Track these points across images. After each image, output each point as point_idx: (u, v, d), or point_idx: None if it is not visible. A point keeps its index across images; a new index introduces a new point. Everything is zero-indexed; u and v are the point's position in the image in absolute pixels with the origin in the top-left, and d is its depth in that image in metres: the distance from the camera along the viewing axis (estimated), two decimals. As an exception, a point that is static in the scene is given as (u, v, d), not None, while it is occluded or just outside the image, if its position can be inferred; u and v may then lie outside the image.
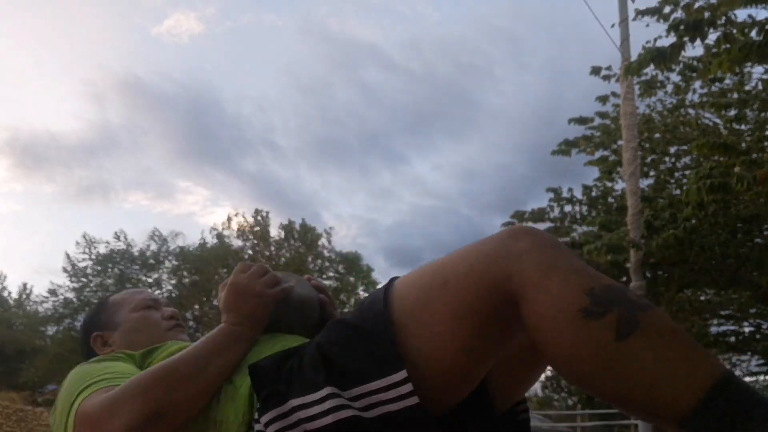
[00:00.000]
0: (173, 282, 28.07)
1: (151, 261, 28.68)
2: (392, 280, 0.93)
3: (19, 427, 14.91)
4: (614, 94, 8.74)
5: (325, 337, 0.91)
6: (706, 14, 4.79)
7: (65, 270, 27.99)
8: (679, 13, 5.73)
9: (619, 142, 8.34)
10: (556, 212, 9.88)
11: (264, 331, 1.08)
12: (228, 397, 0.96)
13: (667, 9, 6.04)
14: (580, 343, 0.73)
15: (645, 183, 8.79)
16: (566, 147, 8.93)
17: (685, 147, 8.47)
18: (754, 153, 6.52)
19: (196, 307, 25.54)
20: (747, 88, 7.91)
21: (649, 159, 8.93)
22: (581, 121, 9.02)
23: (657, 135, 8.82)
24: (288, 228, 24.14)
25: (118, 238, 28.32)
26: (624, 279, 8.05)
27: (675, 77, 8.53)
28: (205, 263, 24.08)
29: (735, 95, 7.96)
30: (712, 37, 4.90)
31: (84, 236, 28.28)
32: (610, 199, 9.64)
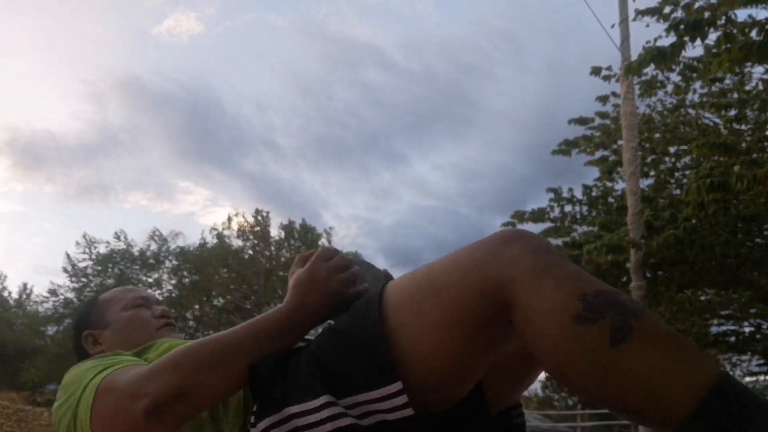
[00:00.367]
0: (173, 282, 28.06)
1: (151, 261, 28.68)
2: (384, 284, 0.92)
3: (19, 427, 14.90)
4: (614, 94, 8.74)
5: (320, 343, 0.90)
6: (706, 14, 4.79)
7: (65, 270, 28.00)
8: (679, 13, 5.73)
9: (619, 142, 8.33)
10: (556, 212, 9.87)
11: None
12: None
13: (667, 9, 6.04)
14: (574, 350, 0.72)
15: (645, 183, 8.79)
16: (566, 147, 8.93)
17: (685, 147, 8.47)
18: (754, 153, 6.52)
19: (196, 307, 25.52)
20: (747, 88, 7.90)
21: (649, 159, 8.92)
22: (581, 121, 9.02)
23: (657, 135, 8.81)
24: (288, 228, 24.14)
25: (118, 238, 28.33)
26: (624, 279, 8.05)
27: (675, 77, 8.53)
28: (205, 263, 24.06)
29: (735, 95, 7.96)
30: (712, 37, 4.90)
31: (84, 236, 28.29)
32: (610, 199, 9.63)
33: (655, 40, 6.22)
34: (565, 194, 9.92)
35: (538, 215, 9.74)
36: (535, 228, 9.29)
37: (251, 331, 0.93)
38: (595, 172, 9.56)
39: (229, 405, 0.97)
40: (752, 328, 11.18)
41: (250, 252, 22.69)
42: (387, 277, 1.15)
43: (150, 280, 28.73)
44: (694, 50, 8.11)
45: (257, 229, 23.55)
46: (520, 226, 5.93)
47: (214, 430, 0.98)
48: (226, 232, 24.28)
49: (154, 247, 28.82)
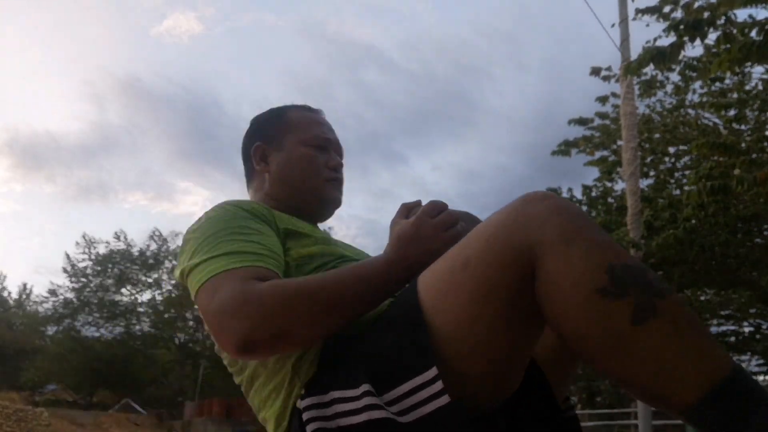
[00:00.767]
0: (173, 282, 28.06)
1: (151, 261, 28.68)
2: None
3: (19, 427, 14.90)
4: (614, 94, 8.74)
5: (360, 333, 0.89)
6: (706, 14, 4.78)
7: (65, 270, 28.01)
8: (678, 13, 5.72)
9: (619, 143, 8.33)
10: (556, 212, 9.84)
11: None
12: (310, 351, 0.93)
13: (667, 8, 6.04)
14: (594, 323, 0.72)
15: (645, 183, 8.79)
16: (566, 147, 8.92)
17: (684, 147, 8.46)
18: (754, 153, 6.51)
19: (197, 307, 25.48)
20: (747, 88, 7.90)
21: (648, 159, 8.92)
22: (581, 121, 9.01)
23: (657, 135, 8.81)
24: (288, 228, 24.10)
25: (118, 238, 28.35)
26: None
27: (675, 77, 8.53)
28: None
29: (735, 95, 7.96)
30: (712, 37, 4.90)
31: (84, 236, 28.30)
32: (610, 200, 9.63)
33: (655, 40, 6.22)
34: (565, 194, 9.92)
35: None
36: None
37: (355, 281, 0.90)
38: (594, 172, 9.57)
39: (304, 358, 0.94)
40: (752, 328, 11.19)
41: (250, 252, 22.60)
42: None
43: (150, 280, 28.74)
44: (693, 50, 8.12)
45: (257, 229, 23.52)
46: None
47: (290, 373, 0.94)
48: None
49: (153, 247, 28.83)
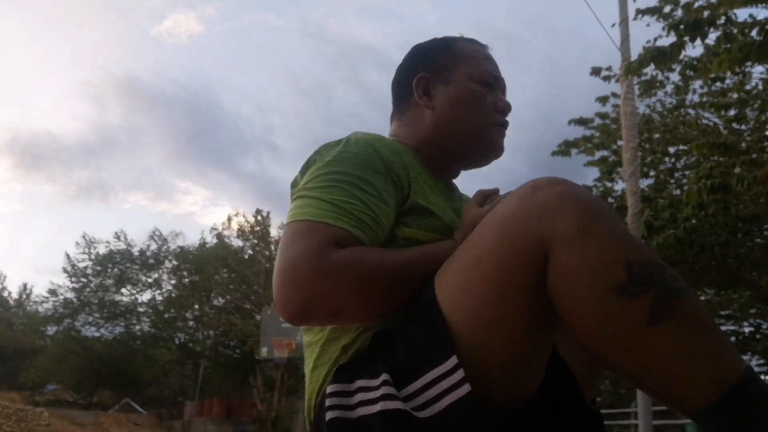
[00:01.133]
0: (173, 282, 28.07)
1: (151, 261, 28.69)
2: None
3: (19, 427, 14.90)
4: (614, 94, 8.74)
5: (388, 326, 0.89)
6: (706, 14, 4.78)
7: (65, 270, 28.03)
8: (679, 12, 5.72)
9: (619, 143, 8.33)
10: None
11: None
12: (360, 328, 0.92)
13: (667, 8, 6.04)
14: (609, 321, 0.69)
15: (645, 183, 8.79)
16: (566, 148, 8.92)
17: (684, 147, 8.46)
18: (754, 153, 6.51)
19: (196, 307, 25.52)
20: (747, 88, 7.90)
21: (649, 159, 8.92)
22: (581, 122, 9.01)
23: (657, 135, 8.81)
24: (288, 228, 24.08)
25: (118, 238, 28.37)
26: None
27: (675, 77, 8.53)
28: (205, 263, 24.06)
29: (735, 95, 7.95)
30: (712, 36, 4.89)
31: (84, 236, 28.31)
32: (610, 200, 9.63)
33: (655, 39, 6.22)
34: (565, 194, 9.91)
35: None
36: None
37: (424, 265, 0.87)
38: (594, 172, 9.57)
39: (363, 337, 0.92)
40: (752, 328, 11.19)
41: (250, 252, 22.66)
42: None
43: (150, 280, 28.75)
44: (694, 50, 8.12)
45: (257, 229, 23.52)
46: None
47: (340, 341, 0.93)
48: (225, 232, 24.28)
49: (153, 247, 28.85)
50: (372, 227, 0.89)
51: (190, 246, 28.01)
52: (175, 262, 28.17)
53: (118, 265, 28.36)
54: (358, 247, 0.86)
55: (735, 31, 4.71)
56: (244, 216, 25.15)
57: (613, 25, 7.30)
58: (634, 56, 6.44)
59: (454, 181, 1.18)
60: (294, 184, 0.97)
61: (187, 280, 26.46)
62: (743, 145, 6.95)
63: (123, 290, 28.81)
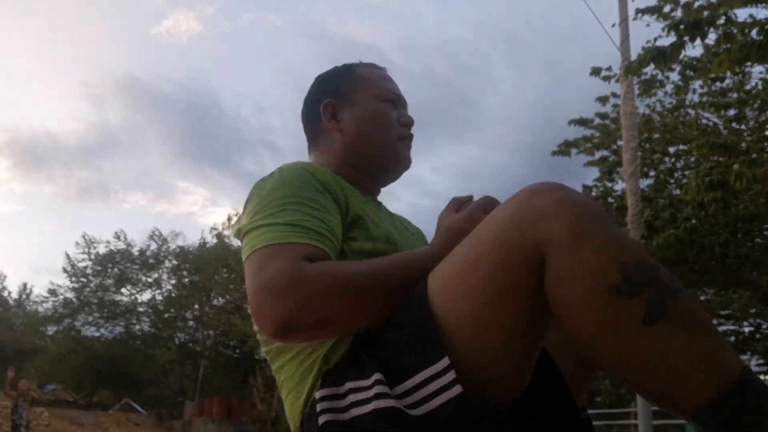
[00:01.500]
0: (173, 282, 28.07)
1: (151, 261, 28.68)
2: None
3: (18, 427, 14.86)
4: (614, 94, 8.74)
5: (378, 329, 0.88)
6: (706, 14, 4.78)
7: (65, 270, 28.02)
8: (679, 12, 5.72)
9: (619, 143, 8.33)
10: (556, 212, 9.85)
11: None
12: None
13: (667, 8, 6.04)
14: (605, 322, 0.70)
15: (645, 183, 8.79)
16: (566, 147, 8.92)
17: (684, 147, 8.46)
18: (753, 153, 6.51)
19: (196, 306, 25.52)
20: (747, 87, 7.90)
21: (649, 159, 8.92)
22: (581, 122, 9.01)
23: (657, 135, 8.81)
24: (288, 228, 24.08)
25: (118, 238, 28.35)
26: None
27: (675, 77, 8.53)
28: (205, 263, 24.06)
29: (735, 95, 7.96)
30: (712, 36, 4.90)
31: (83, 236, 28.32)
32: (610, 200, 9.63)
33: (655, 39, 6.23)
34: (565, 194, 9.91)
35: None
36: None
37: (401, 271, 0.89)
38: (594, 172, 9.57)
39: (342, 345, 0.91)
40: (752, 328, 11.20)
41: (250, 252, 22.61)
42: None
43: (150, 279, 28.74)
44: (693, 50, 8.12)
45: (257, 229, 23.51)
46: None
47: (319, 357, 0.92)
48: (225, 232, 24.27)
49: (153, 247, 28.84)
50: (332, 240, 0.92)
51: (190, 246, 28.02)
52: (175, 262, 28.17)
53: (117, 265, 28.35)
54: (331, 260, 0.89)
55: (735, 31, 4.71)
56: (244, 216, 25.07)
57: (613, 25, 7.30)
58: (633, 56, 6.45)
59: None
60: (237, 233, 0.98)
61: (187, 280, 26.46)
62: (743, 145, 6.96)
63: (123, 290, 28.80)
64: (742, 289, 9.38)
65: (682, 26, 4.67)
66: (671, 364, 0.68)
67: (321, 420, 0.82)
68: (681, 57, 5.54)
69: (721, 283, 9.01)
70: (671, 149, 8.84)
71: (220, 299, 23.46)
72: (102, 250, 28.21)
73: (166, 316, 27.87)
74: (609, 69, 8.05)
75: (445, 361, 0.76)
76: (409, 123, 1.18)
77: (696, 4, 5.33)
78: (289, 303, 0.80)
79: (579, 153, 8.99)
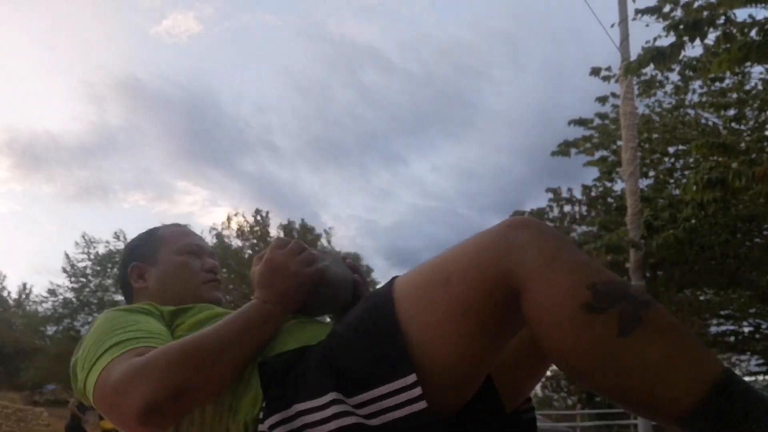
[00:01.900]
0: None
1: (151, 261, 28.63)
2: (393, 279, 0.91)
3: (18, 427, 14.89)
4: (614, 94, 8.74)
5: (332, 340, 0.89)
6: (706, 14, 4.78)
7: (64, 270, 27.97)
8: (678, 12, 5.73)
9: (619, 143, 8.33)
10: (556, 212, 9.89)
11: (296, 312, 1.04)
12: (244, 386, 0.93)
13: (667, 8, 6.04)
14: (582, 339, 0.72)
15: (644, 183, 8.80)
16: (566, 148, 8.93)
17: (684, 147, 8.47)
18: (753, 153, 6.52)
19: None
20: (747, 87, 7.90)
21: (648, 159, 8.92)
22: (581, 122, 9.02)
23: (656, 135, 8.81)
24: (288, 228, 24.13)
25: (117, 238, 28.30)
26: (624, 279, 8.03)
27: (674, 77, 8.54)
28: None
29: (735, 95, 7.96)
30: (712, 36, 4.90)
31: (83, 236, 28.28)
32: (610, 199, 9.64)
33: (655, 39, 6.23)
34: (565, 194, 9.93)
35: (538, 215, 9.75)
36: (534, 228, 9.27)
37: (233, 327, 0.94)
38: (593, 172, 9.58)
39: (241, 399, 0.93)
40: (751, 328, 11.20)
41: (250, 252, 22.67)
42: (345, 260, 1.17)
43: (149, 280, 28.69)
44: (693, 50, 8.12)
45: (257, 229, 23.54)
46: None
47: (227, 421, 0.94)
48: (225, 232, 24.26)
49: (153, 247, 28.78)
50: (154, 337, 0.97)
51: (189, 246, 27.98)
52: (174, 262, 28.15)
53: (117, 265, 28.34)
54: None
55: (734, 31, 4.72)
56: (243, 216, 25.12)
57: (613, 26, 7.32)
58: (633, 56, 6.46)
59: None
60: (73, 366, 1.01)
61: (186, 280, 26.41)
62: (742, 145, 6.96)
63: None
64: (741, 289, 9.38)
65: (681, 26, 4.68)
66: (651, 373, 0.69)
67: None
68: (680, 57, 5.55)
69: (721, 283, 9.01)
70: (671, 149, 8.84)
71: (220, 299, 23.39)
72: (102, 250, 28.18)
73: (165, 316, 27.82)
74: (609, 69, 8.07)
75: (412, 377, 0.78)
76: (212, 268, 1.28)
77: (696, 4, 5.34)
78: (141, 387, 0.84)
79: (579, 153, 9.00)
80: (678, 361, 0.69)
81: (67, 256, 28.10)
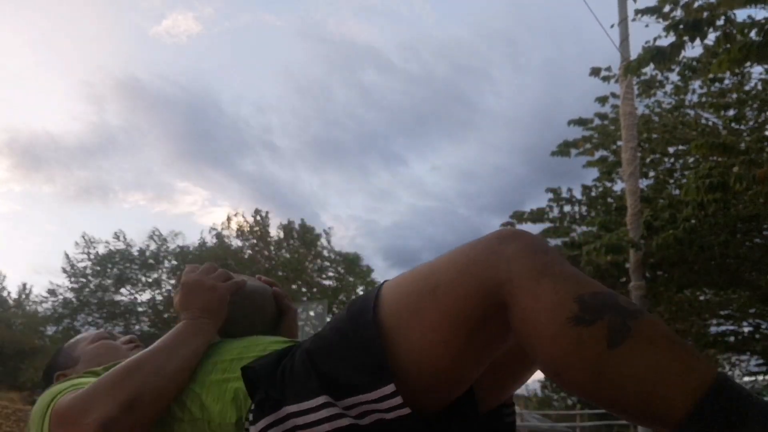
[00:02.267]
0: (173, 282, 28.05)
1: (151, 261, 28.67)
2: (382, 283, 0.91)
3: (18, 427, 14.90)
4: (614, 94, 8.75)
5: (314, 343, 0.89)
6: (705, 14, 4.79)
7: (64, 270, 28.00)
8: (678, 12, 5.73)
9: (619, 143, 8.34)
10: (556, 212, 9.87)
11: (226, 327, 1.10)
12: (213, 396, 0.94)
13: (666, 8, 6.05)
14: (571, 351, 0.72)
15: (644, 183, 8.80)
16: (565, 148, 8.93)
17: (684, 147, 8.47)
18: (753, 153, 6.51)
19: None
20: (746, 88, 7.91)
21: (648, 159, 8.93)
22: (581, 122, 9.03)
23: (656, 135, 8.82)
24: (287, 228, 24.15)
25: (117, 238, 28.32)
26: (623, 279, 8.05)
27: (674, 77, 8.54)
28: (205, 263, 24.04)
29: (734, 95, 7.96)
30: (712, 36, 4.90)
31: (83, 236, 28.29)
32: (610, 200, 9.63)
33: (655, 40, 6.23)
34: (565, 194, 9.92)
35: (537, 215, 9.74)
36: (534, 228, 9.30)
37: (167, 344, 1.00)
38: (593, 173, 9.58)
39: (210, 406, 0.94)
40: (751, 328, 11.19)
41: (250, 252, 22.70)
42: (260, 278, 1.25)
43: (149, 280, 28.74)
44: (693, 50, 8.13)
45: (256, 229, 23.57)
46: (519, 227, 5.92)
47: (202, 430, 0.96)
48: (225, 232, 24.31)
49: (153, 247, 28.82)
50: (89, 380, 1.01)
51: (189, 246, 28.02)
52: (174, 262, 28.16)
53: (117, 265, 28.35)
54: None
55: (734, 31, 4.72)
56: (243, 216, 25.15)
57: (613, 26, 7.33)
58: (633, 56, 6.46)
59: None
60: None
61: (186, 280, 26.42)
62: (742, 145, 6.96)
63: (122, 290, 28.78)
64: (741, 289, 9.38)
65: (681, 26, 4.68)
66: (644, 383, 0.69)
67: None
68: (680, 57, 5.55)
69: (721, 283, 9.01)
70: (670, 149, 8.85)
71: (220, 299, 23.37)
72: (101, 250, 28.20)
73: (165, 316, 27.87)
74: (608, 69, 8.08)
75: (391, 387, 0.79)
76: (131, 339, 1.34)
77: (695, 4, 5.34)
78: (94, 410, 0.88)
79: (578, 153, 9.00)
80: (669, 370, 0.69)
81: (66, 256, 28.10)
